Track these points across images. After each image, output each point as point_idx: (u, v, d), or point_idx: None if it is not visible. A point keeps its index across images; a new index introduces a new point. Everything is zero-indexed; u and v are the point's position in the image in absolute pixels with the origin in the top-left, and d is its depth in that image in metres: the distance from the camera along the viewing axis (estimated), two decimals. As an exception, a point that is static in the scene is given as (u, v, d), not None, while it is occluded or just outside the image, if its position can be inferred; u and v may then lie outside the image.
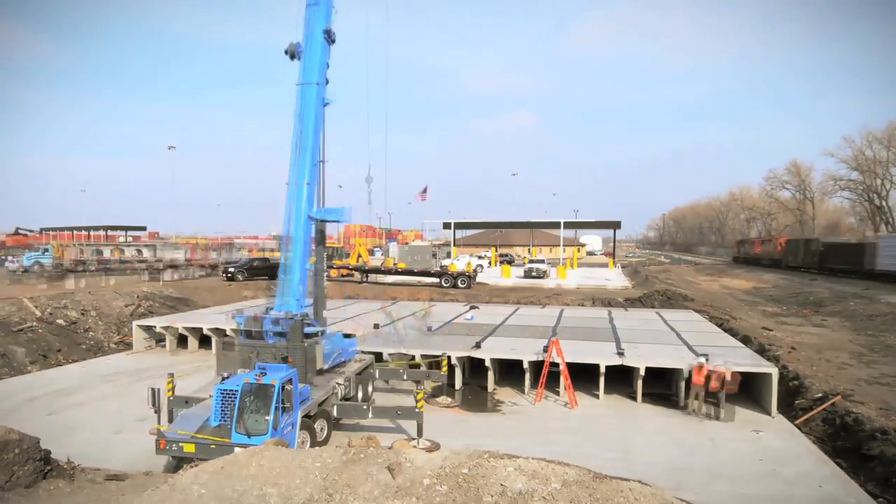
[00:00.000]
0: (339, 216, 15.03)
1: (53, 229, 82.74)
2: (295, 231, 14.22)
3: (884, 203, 65.15)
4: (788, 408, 15.70)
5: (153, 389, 11.80)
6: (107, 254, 50.37)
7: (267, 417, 10.96)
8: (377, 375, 16.76)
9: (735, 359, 16.63)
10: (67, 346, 22.83)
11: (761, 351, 19.66)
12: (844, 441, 13.21)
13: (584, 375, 17.03)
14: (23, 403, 16.39)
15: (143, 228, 79.80)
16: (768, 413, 15.34)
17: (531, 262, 53.01)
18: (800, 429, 14.36)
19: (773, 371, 15.52)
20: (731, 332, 23.30)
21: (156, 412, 11.81)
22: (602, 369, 16.74)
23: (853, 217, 78.25)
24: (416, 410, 12.98)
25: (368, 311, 26.47)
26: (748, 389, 16.88)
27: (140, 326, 24.06)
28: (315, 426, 12.60)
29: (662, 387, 17.40)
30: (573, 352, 17.21)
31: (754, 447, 13.19)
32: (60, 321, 24.39)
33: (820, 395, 15.46)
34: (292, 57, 14.44)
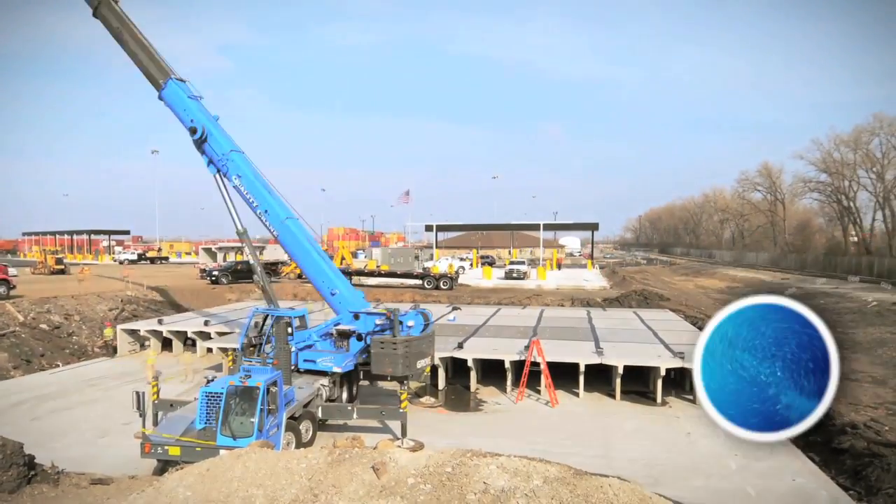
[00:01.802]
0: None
1: (35, 234, 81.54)
2: (312, 250, 15.78)
3: (851, 204, 66.58)
4: (762, 404, 16.05)
5: (138, 393, 11.78)
6: None
7: (252, 419, 11.03)
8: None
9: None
10: (51, 350, 22.57)
11: (736, 349, 20.03)
12: (816, 436, 13.56)
13: (564, 374, 17.29)
14: (6, 408, 16.24)
15: (127, 232, 78.90)
16: (743, 409, 15.70)
17: (512, 263, 53.38)
18: (773, 424, 14.71)
19: (747, 368, 15.86)
20: (707, 330, 23.67)
21: (141, 416, 11.80)
22: (581, 368, 17.01)
23: (822, 218, 79.70)
24: (401, 410, 13.12)
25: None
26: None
27: (124, 330, 23.89)
28: (300, 427, 12.69)
29: (640, 384, 17.72)
30: (553, 351, 17.46)
31: (730, 443, 13.45)
32: (44, 326, 24.15)
33: (792, 391, 15.85)
34: (201, 139, 15.41)
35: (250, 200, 15.31)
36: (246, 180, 15.24)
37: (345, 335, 15.26)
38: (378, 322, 14.89)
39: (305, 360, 14.82)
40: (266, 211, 15.23)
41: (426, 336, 14.93)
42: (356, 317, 15.05)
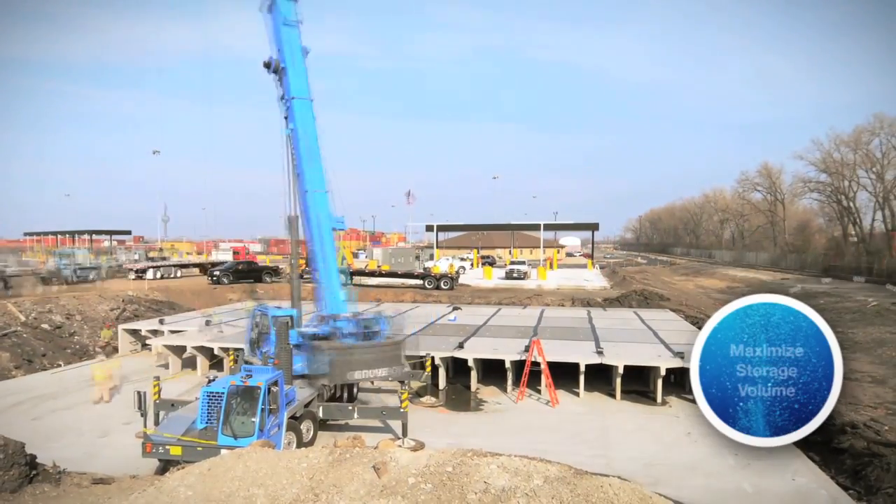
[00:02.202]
0: (342, 224, 15.78)
1: (37, 234, 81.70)
2: (325, 236, 14.99)
3: (851, 204, 66.53)
4: (762, 404, 16.05)
5: (139, 393, 11.83)
6: None
7: (253, 419, 11.07)
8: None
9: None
10: (52, 350, 22.64)
11: (736, 349, 20.04)
12: (816, 435, 13.54)
13: (564, 374, 17.30)
14: (7, 408, 16.28)
15: (128, 232, 78.80)
16: (742, 409, 15.71)
17: (512, 263, 53.38)
18: (773, 424, 14.72)
19: (747, 368, 15.87)
20: (707, 330, 23.67)
21: (142, 415, 11.85)
22: (582, 368, 17.02)
23: (822, 218, 79.58)
24: (401, 410, 13.16)
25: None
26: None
27: (126, 330, 23.93)
28: (301, 427, 12.73)
29: (640, 384, 17.74)
30: (554, 351, 17.48)
31: (729, 442, 13.49)
32: (45, 326, 24.22)
33: (792, 391, 15.86)
34: (274, 71, 14.86)
35: (293, 158, 14.95)
36: (296, 134, 14.77)
37: (317, 336, 15.02)
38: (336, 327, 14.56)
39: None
40: (299, 175, 14.91)
41: (373, 345, 14.42)
42: (322, 319, 14.91)
